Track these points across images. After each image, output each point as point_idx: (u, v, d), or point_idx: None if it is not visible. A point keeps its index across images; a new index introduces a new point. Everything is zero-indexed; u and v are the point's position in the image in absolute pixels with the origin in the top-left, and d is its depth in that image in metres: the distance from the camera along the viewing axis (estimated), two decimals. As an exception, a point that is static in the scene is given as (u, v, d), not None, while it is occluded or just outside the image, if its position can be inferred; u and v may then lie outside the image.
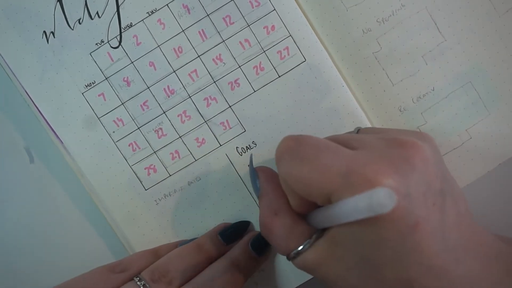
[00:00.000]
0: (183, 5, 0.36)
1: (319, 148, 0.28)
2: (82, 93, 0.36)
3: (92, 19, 0.36)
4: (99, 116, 0.36)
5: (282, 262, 0.37)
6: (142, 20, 0.36)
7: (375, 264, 0.26)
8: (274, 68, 0.36)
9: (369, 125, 0.36)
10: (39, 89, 0.36)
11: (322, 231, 0.29)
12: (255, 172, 0.34)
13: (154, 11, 0.36)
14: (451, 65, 0.36)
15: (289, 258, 0.30)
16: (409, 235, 0.25)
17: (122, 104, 0.36)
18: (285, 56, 0.36)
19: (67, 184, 0.38)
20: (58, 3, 0.35)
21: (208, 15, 0.36)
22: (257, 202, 0.37)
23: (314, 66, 0.36)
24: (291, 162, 0.28)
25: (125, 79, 0.36)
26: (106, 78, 0.36)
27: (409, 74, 0.36)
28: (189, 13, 0.36)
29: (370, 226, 0.25)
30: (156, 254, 0.36)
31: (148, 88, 0.36)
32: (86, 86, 0.36)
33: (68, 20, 0.36)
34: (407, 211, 0.25)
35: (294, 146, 0.28)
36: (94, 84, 0.36)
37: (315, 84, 0.36)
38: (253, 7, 0.36)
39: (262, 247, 0.36)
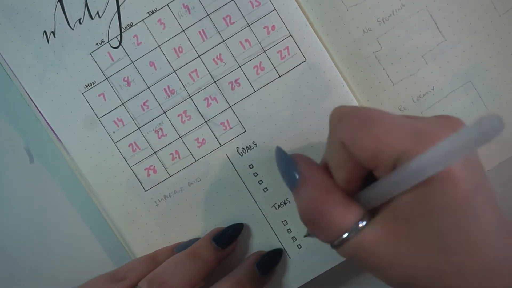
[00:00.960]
0: (183, 5, 0.36)
1: (382, 112, 0.27)
2: (82, 93, 0.36)
3: (92, 19, 0.36)
4: (99, 116, 0.36)
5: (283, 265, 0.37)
6: (143, 20, 0.36)
7: (440, 233, 0.25)
8: (275, 68, 0.36)
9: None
10: (39, 89, 0.36)
11: (372, 211, 0.27)
12: (291, 159, 0.30)
13: (154, 11, 0.36)
14: (451, 64, 0.36)
15: (335, 244, 0.27)
16: (471, 198, 0.25)
17: (122, 104, 0.36)
18: (285, 56, 0.36)
19: (67, 184, 0.38)
20: (58, 3, 0.36)
21: (208, 15, 0.36)
22: (258, 204, 0.37)
23: (314, 66, 0.36)
24: (355, 124, 0.26)
25: (126, 79, 0.36)
26: (107, 78, 0.36)
27: (410, 73, 0.36)
28: (189, 13, 0.36)
29: (437, 187, 0.24)
30: (154, 260, 0.36)
31: (149, 88, 0.36)
32: (86, 86, 0.36)
33: (69, 20, 0.36)
34: (468, 173, 0.24)
35: (354, 111, 0.27)
36: (94, 84, 0.36)
37: (315, 84, 0.36)
38: (253, 7, 0.36)
39: (267, 267, 0.35)
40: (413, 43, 0.36)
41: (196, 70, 0.36)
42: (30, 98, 0.36)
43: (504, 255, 0.25)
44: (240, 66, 0.36)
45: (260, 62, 0.36)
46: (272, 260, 0.36)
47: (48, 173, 0.38)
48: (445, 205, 0.24)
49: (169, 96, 0.36)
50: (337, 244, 0.27)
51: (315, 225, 0.28)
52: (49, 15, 0.36)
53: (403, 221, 0.26)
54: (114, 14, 0.36)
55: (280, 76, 0.36)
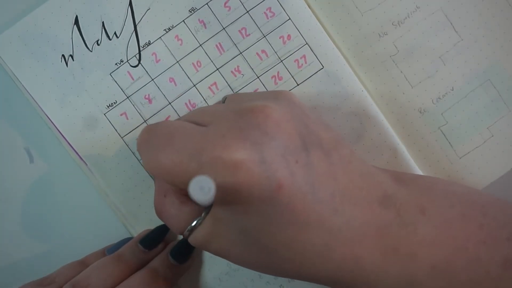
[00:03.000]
0: (199, 20, 0.36)
1: (170, 133, 0.28)
2: (104, 114, 0.36)
3: (110, 39, 0.36)
4: (122, 136, 0.37)
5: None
6: (160, 37, 0.36)
7: (253, 234, 0.27)
8: (292, 76, 0.36)
9: (389, 128, 0.36)
10: (60, 113, 0.36)
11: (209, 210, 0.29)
12: None
13: (171, 28, 0.36)
14: (469, 64, 0.37)
15: (185, 237, 0.30)
16: (275, 199, 0.25)
17: (145, 121, 0.37)
18: (302, 64, 0.36)
19: (67, 184, 0.38)
20: (75, 26, 0.36)
21: (224, 28, 0.36)
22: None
23: (332, 72, 0.36)
24: (147, 153, 0.28)
25: (147, 96, 0.36)
26: (128, 97, 0.36)
27: (428, 75, 0.37)
28: (205, 27, 0.36)
29: (235, 201, 0.26)
30: (84, 264, 0.36)
31: (170, 104, 0.37)
32: (108, 107, 0.36)
33: (86, 42, 0.36)
34: (264, 176, 0.25)
35: (148, 136, 0.29)
36: (116, 104, 0.36)
37: (334, 90, 0.36)
38: (268, 18, 0.36)
39: (182, 254, 0.36)
40: (430, 44, 0.36)
41: (215, 83, 0.37)
42: (52, 123, 0.36)
43: (333, 241, 0.27)
44: (258, 77, 0.37)
45: (278, 72, 0.37)
46: (184, 246, 0.36)
47: (48, 173, 0.38)
48: (246, 212, 0.26)
49: (190, 110, 0.37)
50: (185, 237, 0.30)
51: (162, 220, 0.32)
52: (66, 38, 0.36)
53: (219, 223, 0.28)
54: (132, 34, 0.36)
55: (298, 85, 0.37)
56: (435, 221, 0.27)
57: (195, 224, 0.29)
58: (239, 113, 0.27)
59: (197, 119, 0.29)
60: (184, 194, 0.30)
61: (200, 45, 0.36)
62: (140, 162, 0.37)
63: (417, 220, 0.27)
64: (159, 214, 0.31)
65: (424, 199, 0.28)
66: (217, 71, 0.36)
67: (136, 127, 0.37)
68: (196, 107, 0.36)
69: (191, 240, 0.30)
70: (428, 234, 0.27)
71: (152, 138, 0.29)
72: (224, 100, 0.33)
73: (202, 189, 0.23)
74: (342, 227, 0.26)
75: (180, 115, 0.37)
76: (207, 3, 0.36)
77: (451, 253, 0.27)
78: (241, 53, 0.36)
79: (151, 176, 0.36)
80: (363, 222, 0.27)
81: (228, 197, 0.26)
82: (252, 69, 0.36)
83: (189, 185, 0.23)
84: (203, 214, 0.29)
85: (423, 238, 0.27)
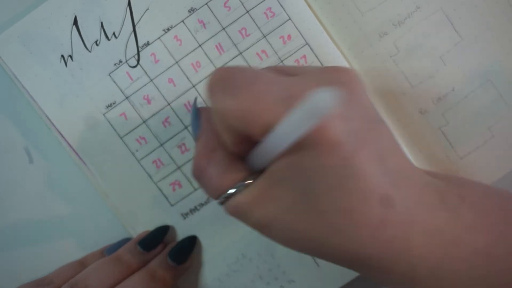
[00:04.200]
0: (198, 20, 0.36)
1: (252, 76, 0.26)
2: (103, 114, 0.36)
3: (109, 40, 0.36)
4: (121, 136, 0.36)
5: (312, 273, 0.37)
6: (159, 37, 0.36)
7: (314, 196, 0.25)
8: (293, 77, 0.36)
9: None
10: (60, 113, 0.36)
11: (260, 173, 0.27)
12: (198, 111, 0.30)
13: (170, 28, 0.36)
14: (470, 64, 0.36)
15: (220, 202, 0.28)
16: (350, 159, 0.24)
17: (144, 122, 0.37)
18: (303, 64, 0.36)
19: (67, 184, 0.38)
20: (74, 26, 0.35)
21: (224, 28, 0.36)
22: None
23: (332, 73, 0.36)
24: (224, 93, 0.26)
25: (146, 97, 0.36)
26: (127, 98, 0.36)
27: (428, 75, 0.36)
28: (204, 27, 0.36)
29: (310, 152, 0.24)
30: (83, 264, 0.36)
31: (169, 104, 0.36)
32: (107, 107, 0.36)
33: (85, 42, 0.36)
34: (346, 134, 0.24)
35: (226, 76, 0.26)
36: (115, 104, 0.36)
37: (334, 90, 0.36)
38: (268, 18, 0.36)
39: (180, 255, 0.35)
40: (430, 44, 0.36)
41: (215, 84, 0.36)
42: (52, 123, 0.36)
43: (390, 218, 0.25)
44: (258, 77, 0.36)
45: (278, 72, 0.36)
46: (182, 248, 0.36)
47: (47, 173, 0.38)
48: (317, 169, 0.24)
49: (189, 111, 0.37)
50: (220, 202, 0.28)
51: (199, 181, 0.29)
52: (66, 39, 0.36)
53: (277, 184, 0.26)
54: (131, 34, 0.36)
55: (299, 85, 0.36)
56: (475, 209, 0.27)
57: (240, 186, 0.27)
58: (324, 70, 0.26)
59: (281, 71, 0.27)
60: (233, 155, 0.28)
61: (200, 45, 0.36)
62: (139, 163, 0.37)
63: (459, 206, 0.26)
64: (200, 171, 0.28)
65: (461, 189, 0.28)
66: (217, 71, 0.36)
67: (135, 128, 0.37)
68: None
69: (229, 205, 0.27)
70: (470, 220, 0.26)
71: (232, 77, 0.26)
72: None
73: (323, 99, 0.21)
74: (398, 205, 0.25)
75: (180, 116, 0.36)
76: (206, 3, 0.36)
77: (491, 239, 0.26)
78: (241, 53, 0.36)
79: (193, 135, 0.31)
80: (416, 202, 0.26)
81: (307, 148, 0.24)
82: (252, 69, 0.36)
83: (307, 98, 0.21)
84: (250, 177, 0.27)
85: (465, 223, 0.26)
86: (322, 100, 0.21)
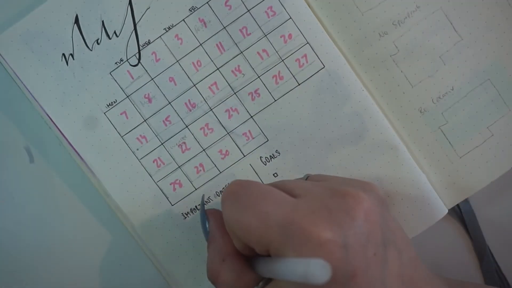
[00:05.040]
0: (199, 19, 0.36)
1: (261, 195, 0.28)
2: (104, 113, 0.36)
3: (110, 38, 0.36)
4: (122, 135, 0.36)
5: None
6: (160, 36, 0.36)
7: None
8: (294, 76, 0.36)
9: (390, 128, 0.36)
10: (61, 112, 0.36)
11: (268, 279, 0.29)
12: (205, 215, 0.33)
13: (171, 27, 0.36)
14: (469, 63, 0.37)
15: None
16: (346, 285, 0.25)
17: (145, 121, 0.37)
18: (303, 63, 0.36)
19: (67, 184, 0.38)
20: (75, 25, 0.35)
21: (224, 27, 0.36)
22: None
23: (333, 72, 0.36)
24: (233, 207, 0.29)
25: (146, 96, 0.36)
26: (127, 96, 0.36)
27: (428, 74, 0.37)
28: (205, 26, 0.36)
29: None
30: None
31: (170, 103, 0.37)
32: (108, 106, 0.36)
33: (86, 41, 0.36)
34: (343, 262, 0.25)
35: (238, 191, 0.29)
36: (116, 103, 0.36)
37: (335, 89, 0.36)
38: (269, 17, 0.36)
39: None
40: (430, 44, 0.36)
41: (215, 83, 0.37)
42: (52, 121, 0.36)
43: None
44: (259, 77, 0.37)
45: (279, 72, 0.37)
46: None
47: (48, 173, 0.38)
48: None
49: (190, 110, 0.37)
50: None
51: (215, 284, 0.31)
52: (67, 37, 0.36)
53: None
54: (131, 33, 0.36)
55: (299, 84, 0.37)
56: None
57: None
58: (331, 194, 0.28)
59: (287, 189, 0.29)
60: (244, 262, 0.30)
61: (200, 44, 0.36)
62: (140, 162, 0.37)
63: None
64: (215, 278, 0.30)
65: None
66: (217, 70, 0.36)
67: (136, 126, 0.37)
68: (281, 180, 0.35)
69: None
70: None
71: (242, 194, 0.29)
72: (306, 178, 0.34)
73: (318, 271, 0.23)
74: None
75: (180, 115, 0.37)
76: (207, 2, 0.36)
77: None
78: (241, 52, 0.36)
79: (205, 238, 0.33)
80: None
81: None
82: (253, 68, 0.36)
83: (309, 261, 0.23)
84: (260, 284, 0.29)
85: None
86: (316, 271, 0.23)
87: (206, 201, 0.37)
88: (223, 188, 0.37)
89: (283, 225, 0.26)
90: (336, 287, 0.25)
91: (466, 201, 0.39)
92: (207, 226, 0.33)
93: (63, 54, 0.36)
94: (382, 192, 0.31)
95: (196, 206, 0.37)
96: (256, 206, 0.28)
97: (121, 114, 0.36)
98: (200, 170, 0.37)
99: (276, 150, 0.37)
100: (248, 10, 0.36)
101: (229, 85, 0.37)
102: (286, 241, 0.26)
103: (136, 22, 0.36)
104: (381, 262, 0.27)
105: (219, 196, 0.37)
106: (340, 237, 0.25)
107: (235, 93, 0.37)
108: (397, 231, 0.29)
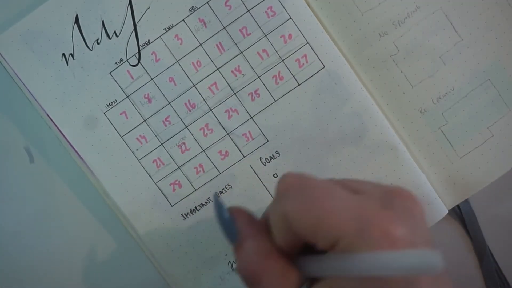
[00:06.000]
0: (199, 19, 0.36)
1: (328, 190, 0.27)
2: (104, 113, 0.36)
3: (110, 38, 0.36)
4: (122, 135, 0.36)
5: None
6: (160, 36, 0.36)
7: None
8: (294, 76, 0.36)
9: (390, 128, 0.36)
10: (61, 112, 0.36)
11: (312, 279, 0.27)
12: (230, 214, 0.30)
13: (171, 27, 0.36)
14: (469, 64, 0.37)
15: None
16: (412, 285, 0.25)
17: (145, 121, 0.37)
18: (303, 64, 0.36)
19: (67, 183, 0.38)
20: (75, 25, 0.35)
21: (224, 27, 0.36)
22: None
23: (333, 72, 0.36)
24: (299, 200, 0.27)
25: (146, 96, 0.36)
26: (127, 96, 0.36)
27: (428, 75, 0.37)
28: (205, 26, 0.36)
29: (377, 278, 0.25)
30: None
31: (169, 103, 0.37)
32: (108, 106, 0.36)
33: (86, 41, 0.36)
34: None
35: (300, 184, 0.28)
36: (116, 103, 0.36)
37: (335, 90, 0.36)
38: (269, 17, 0.36)
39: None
40: (430, 44, 0.36)
41: (215, 83, 0.37)
42: (52, 121, 0.36)
43: None
44: (259, 77, 0.36)
45: (279, 72, 0.36)
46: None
47: (48, 173, 0.38)
48: None
49: (190, 111, 0.37)
50: None
51: (255, 287, 0.28)
52: (67, 37, 0.36)
53: None
54: (131, 33, 0.36)
55: (299, 85, 0.36)
56: None
57: None
58: (386, 192, 0.27)
59: (342, 184, 0.28)
60: (288, 260, 0.28)
61: (200, 44, 0.36)
62: (139, 162, 0.37)
63: None
64: (258, 280, 0.28)
65: None
66: (217, 70, 0.36)
67: (136, 127, 0.37)
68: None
69: None
70: None
71: (305, 186, 0.27)
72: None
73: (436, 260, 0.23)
74: None
75: (180, 116, 0.36)
76: (207, 2, 0.36)
77: None
78: (241, 52, 0.36)
79: (230, 239, 0.29)
80: None
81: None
82: (253, 68, 0.36)
83: (423, 252, 0.23)
84: (306, 283, 0.28)
85: None
86: (432, 261, 0.22)
87: (206, 202, 0.37)
88: (223, 188, 0.37)
89: (356, 220, 0.25)
90: (404, 285, 0.25)
91: (466, 201, 0.39)
92: (233, 225, 0.29)
93: (63, 54, 0.36)
94: None
95: (196, 207, 0.37)
96: (325, 199, 0.26)
97: (121, 114, 0.36)
98: (200, 171, 0.37)
99: (276, 151, 0.37)
100: (248, 10, 0.36)
101: (229, 85, 0.37)
102: (360, 236, 0.25)
103: (136, 22, 0.36)
104: None
105: (218, 196, 0.37)
106: (409, 234, 0.25)
107: (235, 93, 0.37)
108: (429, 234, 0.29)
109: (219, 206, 0.30)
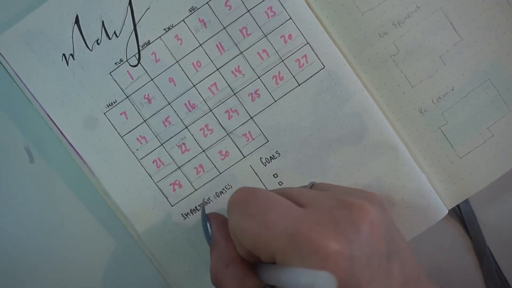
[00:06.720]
0: (199, 19, 0.36)
1: (268, 204, 0.28)
2: (104, 113, 0.36)
3: (110, 39, 0.36)
4: (122, 135, 0.37)
5: None
6: (159, 37, 0.36)
7: None
8: (294, 76, 0.36)
9: (390, 128, 0.36)
10: (61, 112, 0.36)
11: (272, 286, 0.29)
12: (207, 219, 0.33)
13: (170, 27, 0.36)
14: (469, 64, 0.37)
15: None
16: None
17: (144, 121, 0.37)
18: (303, 64, 0.36)
19: (67, 183, 0.38)
20: (75, 25, 0.36)
21: (224, 27, 0.36)
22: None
23: (333, 72, 0.36)
24: (240, 215, 0.28)
25: (146, 96, 0.36)
26: (127, 97, 0.36)
27: (428, 75, 0.37)
28: (205, 27, 0.36)
29: None
30: None
31: (169, 104, 0.37)
32: (108, 106, 0.36)
33: (87, 41, 0.36)
34: (349, 274, 0.25)
35: (245, 199, 0.29)
36: (116, 103, 0.36)
37: (335, 90, 0.36)
38: (269, 17, 0.36)
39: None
40: (430, 44, 0.36)
41: (215, 83, 0.37)
42: (52, 121, 0.36)
43: None
44: (259, 77, 0.36)
45: (279, 72, 0.36)
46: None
47: (48, 173, 0.38)
48: None
49: (190, 111, 0.37)
50: None
51: None
52: (67, 37, 0.36)
53: None
54: (131, 33, 0.36)
55: (299, 85, 0.36)
56: None
57: None
58: (337, 205, 0.28)
59: (294, 197, 0.29)
60: (247, 267, 0.30)
61: (200, 44, 0.36)
62: (140, 162, 0.37)
63: None
64: (219, 283, 0.30)
65: None
66: (217, 71, 0.36)
67: (136, 127, 0.37)
68: (286, 187, 0.36)
69: None
70: None
71: (249, 202, 0.29)
72: (311, 186, 0.34)
73: (325, 283, 0.23)
74: None
75: (180, 116, 0.37)
76: (207, 2, 0.36)
77: None
78: (241, 52, 0.36)
79: (207, 242, 0.33)
80: None
81: None
82: (253, 69, 0.36)
83: (316, 273, 0.24)
84: None
85: None
86: (323, 285, 0.23)
87: (206, 202, 0.37)
88: (223, 189, 0.37)
89: (291, 235, 0.26)
90: None
91: (466, 201, 0.39)
92: (209, 230, 0.32)
93: (64, 54, 0.36)
94: (386, 202, 0.31)
95: (196, 207, 0.37)
96: (264, 214, 0.28)
97: (121, 114, 0.36)
98: (200, 171, 0.37)
99: (276, 151, 0.37)
100: (248, 11, 0.36)
101: (229, 85, 0.37)
102: (293, 251, 0.26)
103: (136, 22, 0.36)
104: (385, 274, 0.27)
105: (219, 197, 0.37)
106: (346, 249, 0.25)
107: (235, 93, 0.37)
108: (400, 241, 0.29)
109: (202, 210, 0.34)
